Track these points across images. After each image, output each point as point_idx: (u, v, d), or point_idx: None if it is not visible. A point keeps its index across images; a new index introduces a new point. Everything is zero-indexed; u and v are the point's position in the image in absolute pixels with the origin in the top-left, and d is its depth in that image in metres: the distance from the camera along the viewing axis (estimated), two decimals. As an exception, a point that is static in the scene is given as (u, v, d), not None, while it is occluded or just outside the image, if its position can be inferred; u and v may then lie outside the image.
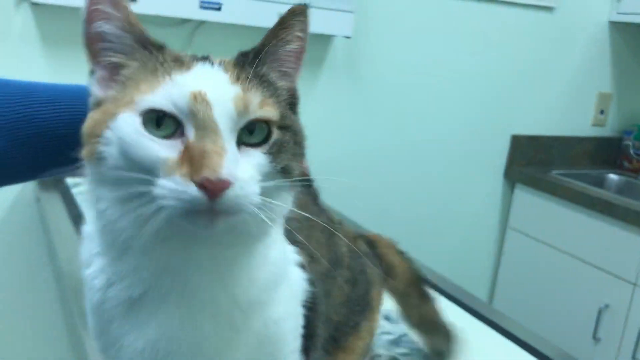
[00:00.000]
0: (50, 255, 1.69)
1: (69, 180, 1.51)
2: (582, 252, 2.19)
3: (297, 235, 0.57)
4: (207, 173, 0.42)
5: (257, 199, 0.44)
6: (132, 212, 0.44)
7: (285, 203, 0.50)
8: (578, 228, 2.21)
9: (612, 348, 2.10)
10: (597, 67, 2.55)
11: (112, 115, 0.46)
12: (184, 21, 1.66)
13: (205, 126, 0.44)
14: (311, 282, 0.57)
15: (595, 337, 2.13)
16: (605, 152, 2.70)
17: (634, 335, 2.01)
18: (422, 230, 2.25)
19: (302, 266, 0.57)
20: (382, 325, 0.90)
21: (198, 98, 0.45)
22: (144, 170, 0.44)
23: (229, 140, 0.44)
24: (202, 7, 1.58)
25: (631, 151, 2.59)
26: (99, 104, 0.49)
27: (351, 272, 0.68)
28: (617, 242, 2.07)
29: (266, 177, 0.46)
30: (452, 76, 2.21)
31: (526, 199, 2.41)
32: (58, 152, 0.65)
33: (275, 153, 0.47)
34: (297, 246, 0.57)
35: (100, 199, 0.47)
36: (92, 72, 0.51)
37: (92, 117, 0.48)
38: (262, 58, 0.50)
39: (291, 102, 0.52)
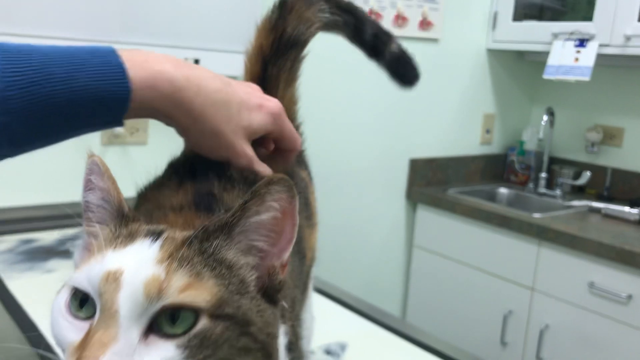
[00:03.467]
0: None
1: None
2: (483, 263, 2.35)
3: None
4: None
5: None
6: None
7: None
8: (477, 241, 2.37)
9: (518, 350, 2.26)
10: (481, 90, 2.77)
11: (62, 288, 0.45)
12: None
13: (106, 309, 0.40)
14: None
15: (503, 342, 2.29)
16: (493, 167, 2.92)
17: (536, 337, 2.18)
18: (335, 255, 2.33)
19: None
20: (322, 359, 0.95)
21: (109, 278, 0.41)
22: (62, 349, 0.43)
23: (128, 328, 0.39)
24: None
25: (516, 166, 2.82)
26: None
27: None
28: (514, 251, 2.24)
29: None
30: (355, 108, 2.32)
31: (428, 218, 2.56)
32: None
33: (196, 347, 0.39)
34: None
35: None
36: (81, 240, 0.51)
37: None
38: (219, 232, 0.44)
39: (264, 283, 0.46)
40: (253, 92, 0.64)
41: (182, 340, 0.40)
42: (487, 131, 2.85)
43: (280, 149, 0.68)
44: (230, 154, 0.60)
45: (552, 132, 2.72)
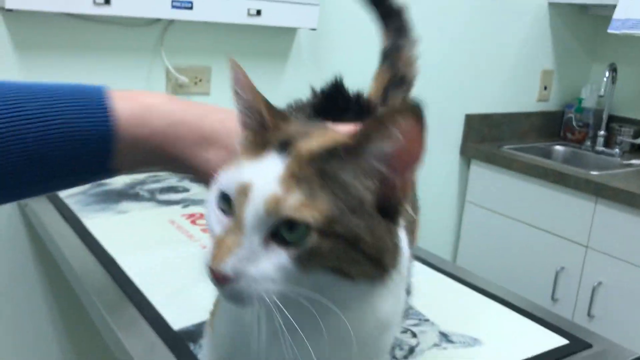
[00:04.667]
0: (41, 257, 1.71)
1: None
2: (537, 219, 2.35)
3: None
4: (212, 264, 0.45)
5: (268, 295, 0.44)
6: None
7: (345, 294, 0.47)
8: (531, 198, 2.36)
9: (569, 307, 2.27)
10: (540, 46, 2.71)
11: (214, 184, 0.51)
12: (155, 21, 1.70)
13: (236, 217, 0.46)
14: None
15: (554, 298, 2.30)
16: (550, 125, 2.87)
17: (588, 294, 2.19)
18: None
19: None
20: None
21: (240, 191, 0.46)
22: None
23: (251, 236, 0.45)
24: (173, 7, 1.62)
25: (573, 123, 2.77)
26: None
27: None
28: (569, 208, 2.23)
29: (294, 278, 0.45)
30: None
31: (481, 174, 2.56)
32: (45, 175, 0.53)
33: (305, 258, 0.44)
34: None
35: None
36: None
37: None
38: (341, 155, 0.46)
39: (384, 201, 0.47)
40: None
41: (294, 251, 0.44)
42: (545, 88, 2.80)
43: None
44: None
45: (614, 90, 2.65)
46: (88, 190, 1.52)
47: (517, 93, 2.71)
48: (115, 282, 1.04)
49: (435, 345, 0.92)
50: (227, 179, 0.48)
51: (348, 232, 0.45)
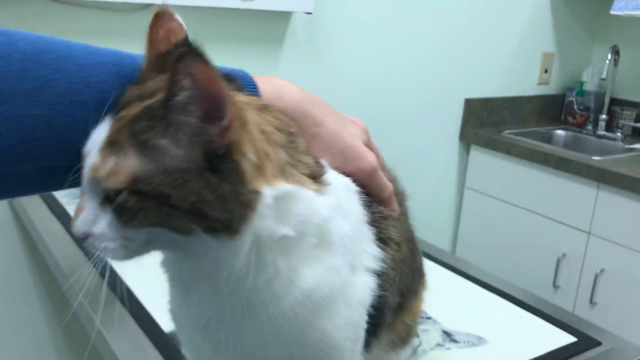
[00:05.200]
0: (31, 251, 1.67)
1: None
2: (537, 205, 2.31)
3: (391, 231, 0.61)
4: (72, 226, 0.49)
5: (110, 250, 0.48)
6: None
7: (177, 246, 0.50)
8: (532, 183, 2.32)
9: (570, 294, 2.24)
10: (540, 27, 2.66)
11: None
12: (145, 6, 1.64)
13: (83, 184, 0.49)
14: (381, 286, 0.58)
15: (555, 285, 2.27)
16: (551, 109, 2.82)
17: (590, 281, 2.15)
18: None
19: (377, 270, 0.58)
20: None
21: (85, 157, 0.49)
22: None
23: (91, 199, 0.48)
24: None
25: (575, 107, 2.72)
26: None
27: (411, 243, 0.71)
28: (570, 194, 2.19)
29: (128, 235, 0.48)
30: (409, 48, 2.26)
31: (481, 159, 2.51)
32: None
33: (126, 217, 0.47)
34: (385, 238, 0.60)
35: None
36: None
37: None
38: (148, 115, 0.46)
39: (205, 151, 0.46)
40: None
41: (115, 211, 0.47)
42: (545, 71, 2.75)
43: None
44: (354, 154, 0.63)
45: (616, 72, 2.60)
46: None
47: (517, 76, 2.66)
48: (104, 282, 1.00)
49: (439, 345, 0.89)
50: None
51: (154, 190, 0.45)
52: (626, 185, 2.00)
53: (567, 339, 0.94)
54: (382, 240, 0.60)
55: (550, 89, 2.81)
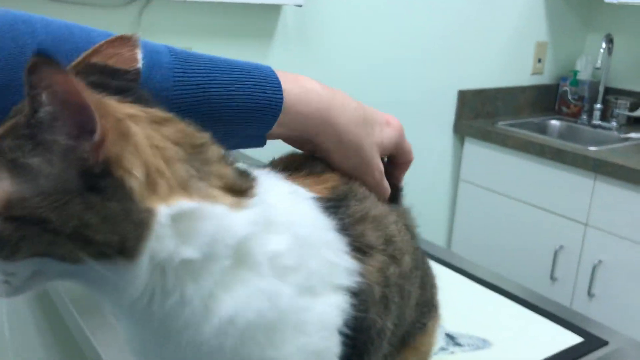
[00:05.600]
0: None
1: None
2: (534, 197, 2.28)
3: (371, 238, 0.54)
4: None
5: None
6: None
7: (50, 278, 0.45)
8: (528, 175, 2.30)
9: (568, 286, 2.22)
10: (533, 16, 2.63)
11: None
12: (131, 1, 1.60)
13: None
14: (359, 305, 0.51)
15: (552, 277, 2.25)
16: (545, 99, 2.80)
17: (587, 273, 2.14)
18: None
19: (352, 287, 0.51)
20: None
21: None
22: None
23: None
24: (150, -15, 1.52)
25: (569, 96, 2.70)
26: None
27: (421, 273, 0.66)
28: (567, 185, 2.17)
29: (9, 269, 0.43)
30: (401, 39, 2.23)
31: (476, 151, 2.49)
32: None
33: (6, 248, 0.41)
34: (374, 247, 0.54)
35: None
36: None
37: None
38: (14, 133, 0.41)
39: (81, 169, 0.41)
40: (377, 110, 0.68)
41: None
42: (539, 60, 2.72)
43: (394, 164, 0.71)
44: (367, 169, 0.63)
45: (610, 61, 2.58)
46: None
47: (511, 67, 2.63)
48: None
49: (442, 349, 0.86)
50: None
51: (31, 214, 0.40)
52: (623, 176, 1.98)
53: (574, 339, 0.91)
54: (359, 249, 0.53)
55: (544, 79, 2.78)
